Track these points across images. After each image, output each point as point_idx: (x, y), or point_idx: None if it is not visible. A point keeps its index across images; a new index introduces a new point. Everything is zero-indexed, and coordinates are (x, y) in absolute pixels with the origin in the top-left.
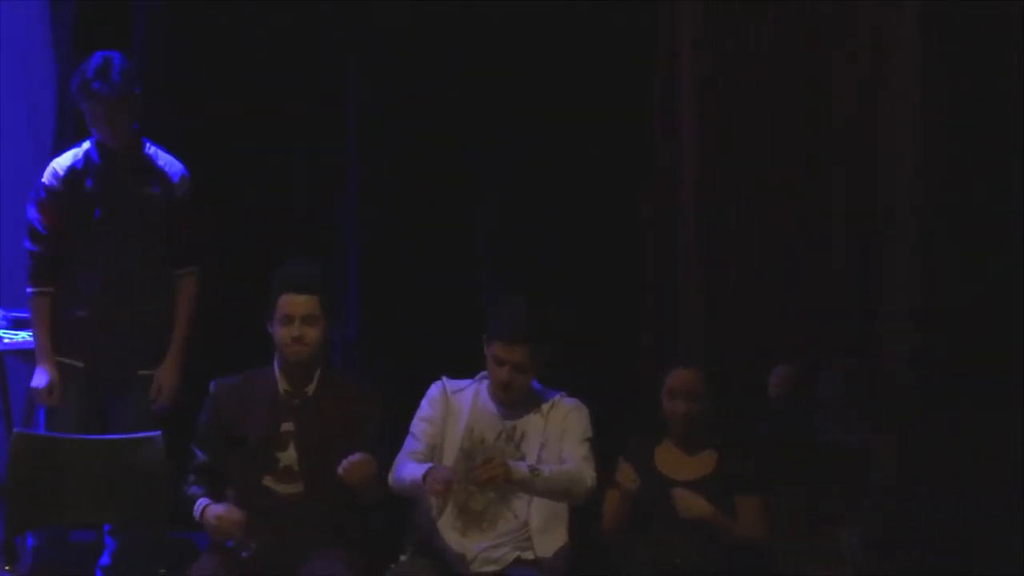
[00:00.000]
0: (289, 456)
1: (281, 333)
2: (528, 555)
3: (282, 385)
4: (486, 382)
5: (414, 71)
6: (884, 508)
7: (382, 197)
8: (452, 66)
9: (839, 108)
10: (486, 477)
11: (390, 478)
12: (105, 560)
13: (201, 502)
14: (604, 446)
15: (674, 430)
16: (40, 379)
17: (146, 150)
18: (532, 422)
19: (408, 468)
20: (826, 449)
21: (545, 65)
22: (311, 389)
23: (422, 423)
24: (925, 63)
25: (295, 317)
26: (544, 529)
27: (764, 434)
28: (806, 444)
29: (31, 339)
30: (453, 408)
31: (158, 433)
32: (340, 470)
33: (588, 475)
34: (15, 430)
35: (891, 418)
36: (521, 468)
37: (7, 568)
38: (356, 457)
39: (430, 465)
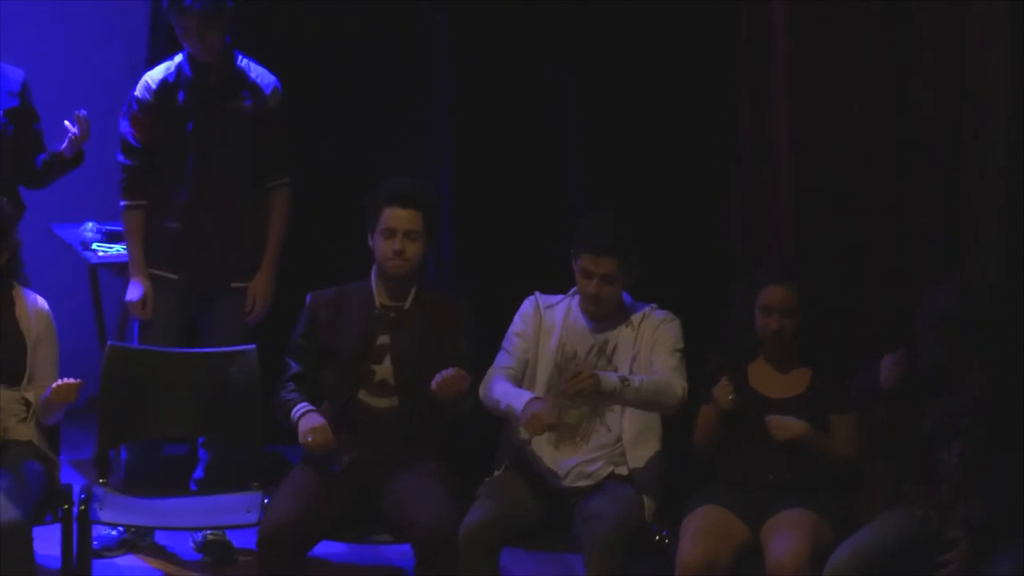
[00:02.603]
0: (384, 369)
1: (383, 246)
2: (622, 470)
3: (379, 298)
4: (578, 297)
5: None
6: (984, 427)
7: (475, 113)
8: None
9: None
10: (575, 390)
11: (481, 391)
12: (199, 473)
13: (300, 407)
14: (694, 361)
15: (767, 347)
16: (134, 292)
17: (238, 63)
18: (623, 335)
19: (500, 388)
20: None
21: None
22: (407, 303)
23: (515, 338)
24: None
25: (398, 231)
26: (637, 442)
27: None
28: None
29: (124, 252)
30: (545, 323)
31: (252, 346)
32: (433, 385)
33: (679, 385)
34: (109, 343)
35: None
36: (611, 379)
37: (100, 481)
38: (449, 372)
39: (531, 396)
